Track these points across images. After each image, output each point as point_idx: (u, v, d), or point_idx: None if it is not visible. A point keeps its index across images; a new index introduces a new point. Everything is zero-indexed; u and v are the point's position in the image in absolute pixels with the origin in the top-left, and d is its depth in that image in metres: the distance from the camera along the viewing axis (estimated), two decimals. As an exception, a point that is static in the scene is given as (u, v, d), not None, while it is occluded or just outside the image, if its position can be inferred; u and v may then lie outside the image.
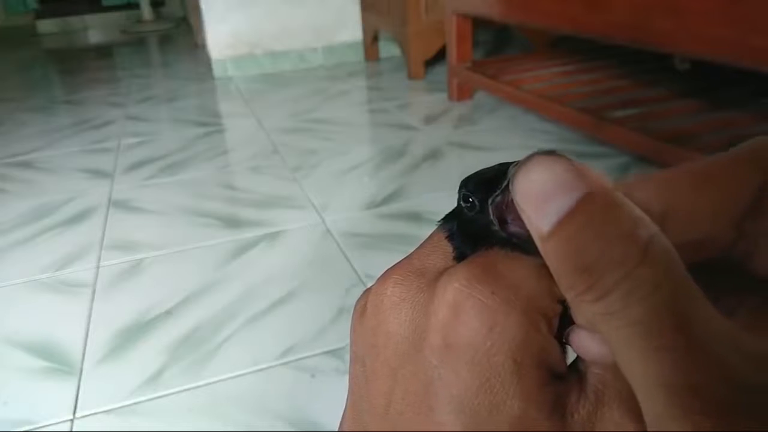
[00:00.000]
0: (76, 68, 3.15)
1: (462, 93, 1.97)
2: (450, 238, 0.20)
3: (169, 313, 0.96)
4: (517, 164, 0.15)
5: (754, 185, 0.15)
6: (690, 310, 0.13)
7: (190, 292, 1.02)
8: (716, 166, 0.16)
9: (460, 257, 0.19)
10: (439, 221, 0.21)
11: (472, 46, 1.93)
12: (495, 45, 2.90)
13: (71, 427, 0.76)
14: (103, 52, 3.74)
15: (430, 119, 1.85)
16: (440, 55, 2.20)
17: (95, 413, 0.78)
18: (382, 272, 0.20)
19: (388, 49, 2.74)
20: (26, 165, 1.69)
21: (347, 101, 2.14)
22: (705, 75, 1.61)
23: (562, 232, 0.14)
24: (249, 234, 1.20)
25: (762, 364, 0.13)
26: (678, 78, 1.66)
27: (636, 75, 1.70)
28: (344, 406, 0.21)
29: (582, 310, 0.14)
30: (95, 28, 4.66)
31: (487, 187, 0.18)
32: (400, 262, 0.20)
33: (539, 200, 0.14)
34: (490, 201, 0.18)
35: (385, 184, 1.39)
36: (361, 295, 0.21)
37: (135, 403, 0.79)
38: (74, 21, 4.69)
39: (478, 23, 1.97)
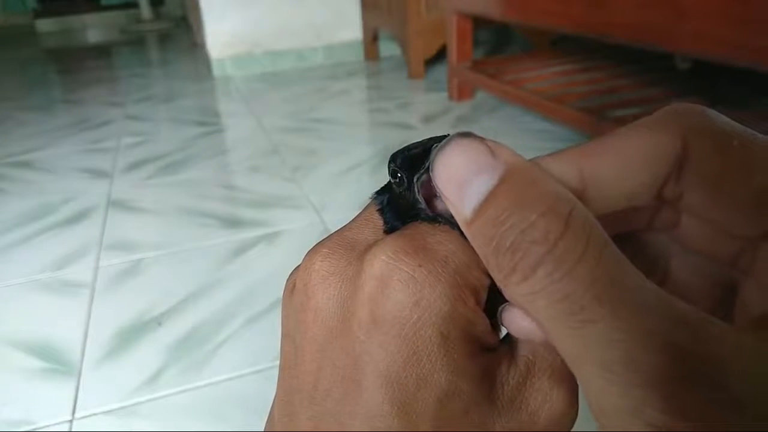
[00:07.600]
0: (75, 68, 3.14)
1: (462, 92, 1.97)
2: (381, 211, 0.20)
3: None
4: (438, 146, 0.15)
5: (673, 152, 0.15)
6: (616, 279, 0.12)
7: (189, 292, 1.02)
8: (633, 134, 0.16)
9: (390, 230, 0.19)
10: (373, 194, 0.20)
11: (472, 46, 1.93)
12: (495, 44, 2.90)
13: (70, 428, 0.76)
14: (102, 51, 3.73)
15: (430, 119, 1.85)
16: (440, 55, 2.20)
17: (94, 414, 0.78)
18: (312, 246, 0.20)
19: (388, 48, 2.73)
20: (25, 165, 1.68)
21: (347, 101, 2.13)
22: (705, 74, 1.61)
23: (483, 215, 0.14)
24: (248, 234, 1.20)
25: (698, 330, 0.12)
26: (678, 77, 1.65)
27: (636, 74, 1.70)
28: (276, 386, 0.21)
29: (510, 292, 0.14)
30: (94, 28, 4.66)
31: (413, 163, 0.18)
32: (330, 235, 0.20)
33: (459, 185, 0.14)
34: (415, 179, 0.18)
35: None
36: (292, 272, 0.20)
37: (134, 404, 0.79)
38: (73, 20, 4.69)
39: (479, 22, 1.97)
